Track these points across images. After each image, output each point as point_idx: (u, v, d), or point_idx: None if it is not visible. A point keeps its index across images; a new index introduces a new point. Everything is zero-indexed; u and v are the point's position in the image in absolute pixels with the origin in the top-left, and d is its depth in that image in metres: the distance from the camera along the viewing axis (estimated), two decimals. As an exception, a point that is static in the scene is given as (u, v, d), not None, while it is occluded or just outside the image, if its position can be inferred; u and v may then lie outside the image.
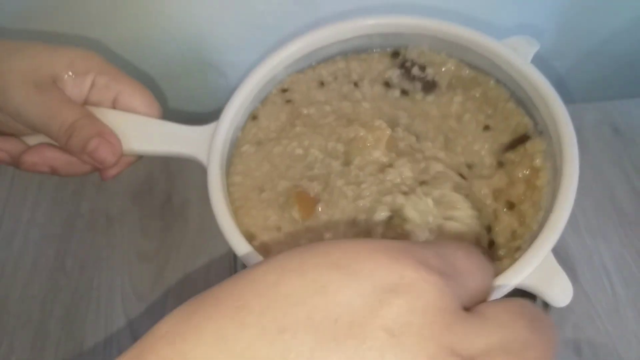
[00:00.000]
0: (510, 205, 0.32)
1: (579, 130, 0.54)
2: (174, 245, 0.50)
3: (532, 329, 0.18)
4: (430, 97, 0.37)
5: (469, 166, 0.34)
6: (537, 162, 0.33)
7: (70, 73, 0.34)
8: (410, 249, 0.19)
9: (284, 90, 0.38)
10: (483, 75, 0.37)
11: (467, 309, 0.18)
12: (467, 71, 0.37)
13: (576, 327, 0.43)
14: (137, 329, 0.46)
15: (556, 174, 0.31)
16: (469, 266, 0.20)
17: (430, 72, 0.38)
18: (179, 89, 0.58)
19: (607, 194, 0.50)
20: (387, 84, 0.38)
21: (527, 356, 0.17)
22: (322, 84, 0.38)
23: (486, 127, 0.36)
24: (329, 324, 0.16)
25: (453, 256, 0.20)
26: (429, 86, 0.37)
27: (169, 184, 0.54)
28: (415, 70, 0.38)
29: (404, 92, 0.38)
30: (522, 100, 0.35)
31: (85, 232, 0.51)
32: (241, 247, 0.30)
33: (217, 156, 0.33)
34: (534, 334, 0.18)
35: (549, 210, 0.29)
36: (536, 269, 0.27)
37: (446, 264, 0.19)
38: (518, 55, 0.35)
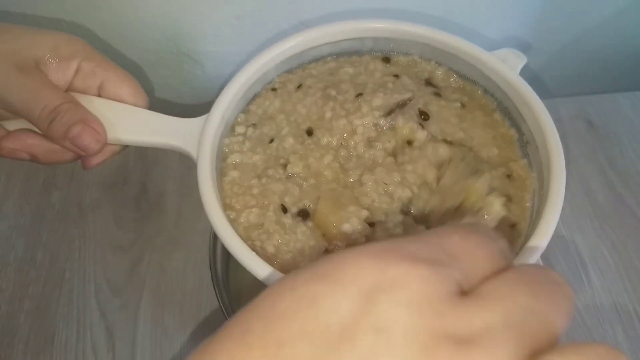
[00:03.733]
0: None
1: (555, 124, 0.55)
2: (150, 237, 0.49)
3: (533, 294, 0.18)
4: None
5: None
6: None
7: (54, 56, 0.33)
8: (396, 245, 0.19)
9: (274, 90, 0.38)
10: (471, 84, 0.38)
11: (468, 291, 0.18)
12: (456, 79, 0.38)
13: (553, 317, 0.44)
14: (111, 324, 0.44)
15: (542, 183, 0.32)
16: (467, 248, 0.19)
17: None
18: (154, 77, 0.57)
19: (582, 187, 0.51)
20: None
21: (531, 324, 0.17)
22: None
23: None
24: (321, 333, 0.17)
25: (447, 242, 0.19)
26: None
27: (145, 174, 0.52)
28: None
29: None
30: (509, 111, 0.36)
31: (57, 223, 0.49)
32: (235, 244, 0.29)
33: (208, 150, 0.33)
34: (537, 298, 0.18)
35: (535, 219, 0.30)
36: None
37: (437, 252, 0.18)
38: (507, 67, 0.35)
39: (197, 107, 0.61)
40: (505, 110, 0.36)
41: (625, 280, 0.45)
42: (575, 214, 0.49)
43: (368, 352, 0.16)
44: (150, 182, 0.52)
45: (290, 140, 0.35)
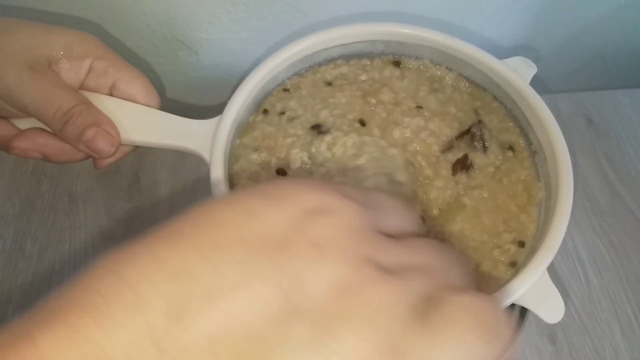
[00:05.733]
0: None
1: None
2: (142, 228, 0.47)
3: (439, 257, 0.21)
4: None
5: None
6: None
7: (66, 56, 0.32)
8: (333, 184, 0.21)
9: (285, 90, 0.38)
10: (481, 91, 0.37)
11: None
12: (465, 85, 0.38)
13: (551, 315, 0.43)
14: (102, 316, 0.43)
15: (550, 193, 0.32)
16: (392, 206, 0.22)
17: None
18: (149, 64, 0.56)
19: (580, 185, 0.51)
20: None
21: (435, 275, 0.19)
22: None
23: None
24: (258, 241, 0.17)
25: (376, 197, 0.21)
26: None
27: (137, 163, 0.51)
28: None
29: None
30: (518, 119, 0.36)
31: (46, 213, 0.48)
32: None
33: (221, 152, 0.32)
34: (440, 259, 0.21)
35: (542, 229, 0.30)
36: (531, 286, 0.28)
37: (368, 200, 0.20)
38: (518, 76, 0.35)
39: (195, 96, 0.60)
40: (515, 119, 0.36)
41: (623, 279, 0.45)
42: (574, 212, 0.48)
43: (304, 261, 0.17)
44: (143, 172, 0.51)
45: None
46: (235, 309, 0.16)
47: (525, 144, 0.35)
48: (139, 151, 0.51)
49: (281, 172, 0.33)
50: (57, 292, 0.17)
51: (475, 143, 0.34)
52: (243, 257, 0.17)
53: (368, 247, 0.18)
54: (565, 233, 0.47)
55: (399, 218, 0.22)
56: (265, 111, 0.37)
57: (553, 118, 0.33)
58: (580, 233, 0.48)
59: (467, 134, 0.34)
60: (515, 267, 0.30)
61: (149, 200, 0.49)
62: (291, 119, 0.36)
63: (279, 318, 0.17)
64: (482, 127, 0.34)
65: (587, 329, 0.43)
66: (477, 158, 0.33)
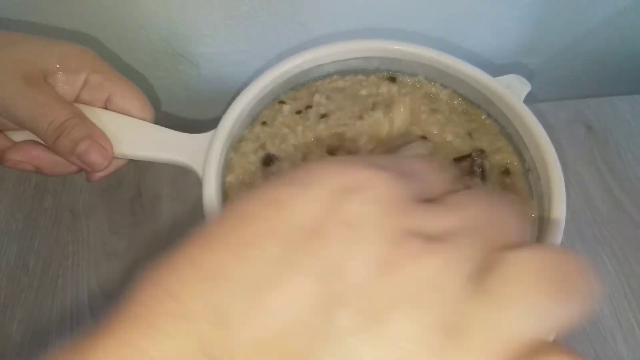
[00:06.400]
0: None
1: (552, 128, 0.55)
2: (144, 242, 0.48)
3: (488, 208, 0.19)
4: None
5: None
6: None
7: (62, 69, 0.32)
8: (360, 158, 0.20)
9: (282, 102, 0.38)
10: (475, 108, 0.38)
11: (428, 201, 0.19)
12: (460, 102, 0.38)
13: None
14: (106, 331, 0.44)
15: (542, 211, 0.32)
16: (427, 168, 0.20)
17: None
18: (150, 78, 0.56)
19: (581, 193, 0.51)
20: None
21: (488, 229, 0.18)
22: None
23: None
24: (290, 231, 0.17)
25: (409, 163, 0.20)
26: None
27: (139, 178, 0.51)
28: None
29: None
30: (511, 137, 0.36)
31: (49, 229, 0.48)
32: None
33: (214, 167, 0.32)
34: (490, 211, 0.19)
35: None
36: None
37: (401, 167, 0.19)
38: (512, 94, 0.35)
39: (194, 106, 0.61)
40: (508, 136, 0.36)
41: (625, 287, 0.45)
42: (575, 220, 0.49)
43: (340, 245, 0.16)
44: (145, 186, 0.51)
45: None
46: (276, 307, 0.16)
47: (519, 162, 0.35)
48: (140, 165, 0.52)
49: (269, 158, 0.33)
50: (110, 310, 0.17)
51: (475, 168, 0.34)
52: (276, 250, 0.16)
53: (408, 218, 0.17)
54: (567, 242, 0.47)
55: (436, 179, 0.20)
56: (264, 123, 0.37)
57: (547, 136, 0.33)
58: (582, 241, 0.48)
59: (467, 158, 0.35)
60: None
61: (152, 215, 0.49)
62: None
63: (321, 310, 0.16)
64: (484, 157, 0.34)
65: (589, 337, 0.43)
66: (473, 183, 0.34)
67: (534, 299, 0.16)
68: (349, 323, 0.16)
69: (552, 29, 0.58)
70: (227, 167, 0.35)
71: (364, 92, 0.38)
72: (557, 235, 0.30)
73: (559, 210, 0.30)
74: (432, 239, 0.17)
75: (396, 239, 0.17)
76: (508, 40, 0.57)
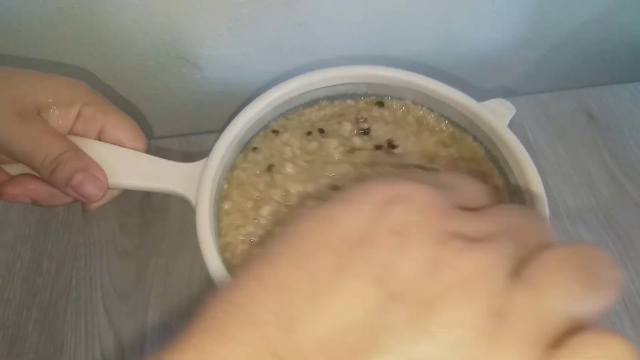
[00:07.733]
0: None
1: (556, 118, 0.55)
2: (155, 242, 0.49)
3: (524, 217, 0.21)
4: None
5: None
6: None
7: (55, 103, 0.33)
8: (402, 174, 0.22)
9: (274, 132, 0.39)
10: (461, 131, 0.38)
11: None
12: (446, 125, 0.39)
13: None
14: (119, 329, 0.44)
15: None
16: (462, 182, 0.22)
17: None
18: (154, 83, 0.57)
19: (585, 180, 0.51)
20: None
21: (524, 235, 0.19)
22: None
23: None
24: (342, 242, 0.18)
25: (445, 177, 0.22)
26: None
27: (148, 180, 0.52)
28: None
29: (378, 147, 0.38)
30: (497, 160, 0.37)
31: (62, 231, 0.49)
32: None
33: (206, 196, 0.33)
34: (526, 219, 0.20)
35: None
36: None
37: (438, 181, 0.21)
38: (496, 118, 0.36)
39: (200, 111, 0.62)
40: (494, 159, 0.37)
41: (631, 272, 0.45)
42: (580, 207, 0.49)
43: (389, 250, 0.18)
44: (154, 188, 0.52)
45: None
46: (337, 308, 0.17)
47: (505, 185, 0.36)
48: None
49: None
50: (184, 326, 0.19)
51: None
52: (332, 259, 0.18)
53: (449, 222, 0.19)
54: (571, 228, 0.48)
55: (472, 192, 0.22)
56: (255, 149, 0.38)
57: (530, 160, 0.34)
58: (587, 229, 0.48)
59: None
60: None
61: (160, 215, 0.50)
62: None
63: (379, 307, 0.17)
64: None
65: (597, 323, 0.43)
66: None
67: (570, 284, 0.17)
68: (405, 316, 0.17)
69: (551, 19, 0.58)
70: (220, 197, 0.36)
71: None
72: None
73: None
74: (473, 239, 0.18)
75: (441, 240, 0.18)
76: (507, 33, 0.58)
